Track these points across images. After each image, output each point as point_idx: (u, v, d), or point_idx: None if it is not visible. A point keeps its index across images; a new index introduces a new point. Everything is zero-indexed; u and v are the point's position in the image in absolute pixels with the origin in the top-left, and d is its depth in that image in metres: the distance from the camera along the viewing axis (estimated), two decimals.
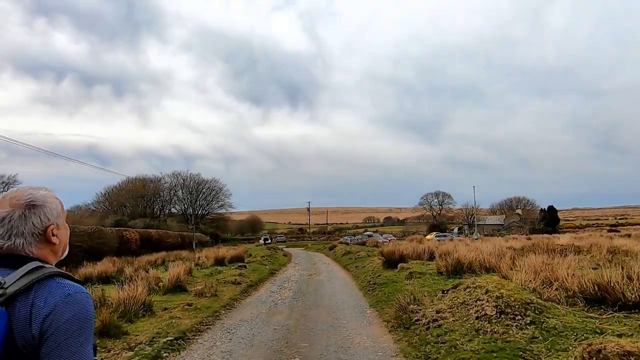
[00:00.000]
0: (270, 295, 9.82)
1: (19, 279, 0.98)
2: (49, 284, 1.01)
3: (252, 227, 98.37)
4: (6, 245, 1.05)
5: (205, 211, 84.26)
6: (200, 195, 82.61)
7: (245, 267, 14.28)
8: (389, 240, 46.06)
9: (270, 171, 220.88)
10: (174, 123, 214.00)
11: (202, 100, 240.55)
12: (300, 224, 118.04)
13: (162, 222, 65.45)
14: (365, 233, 59.61)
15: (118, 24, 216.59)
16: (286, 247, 57.09)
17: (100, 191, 71.24)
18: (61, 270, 1.07)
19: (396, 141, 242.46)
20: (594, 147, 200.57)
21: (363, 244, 32.32)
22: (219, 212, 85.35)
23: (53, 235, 1.11)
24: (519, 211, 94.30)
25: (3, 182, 53.42)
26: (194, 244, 40.47)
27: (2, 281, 0.97)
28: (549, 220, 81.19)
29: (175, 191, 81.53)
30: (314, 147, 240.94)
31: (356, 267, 14.54)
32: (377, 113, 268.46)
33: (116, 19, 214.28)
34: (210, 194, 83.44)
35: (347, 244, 38.86)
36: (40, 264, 1.04)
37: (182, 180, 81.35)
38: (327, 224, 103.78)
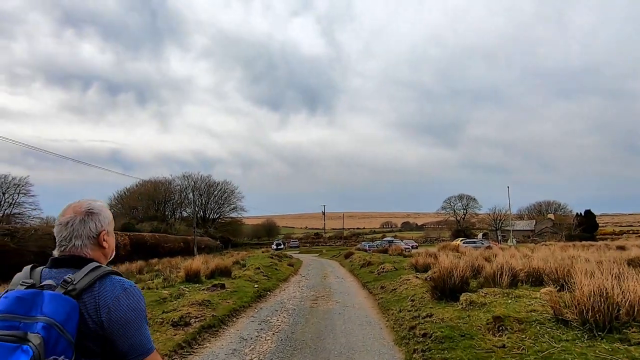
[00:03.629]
0: (234, 351, 5.47)
1: (83, 276, 1.19)
2: (108, 280, 1.22)
3: (267, 232, 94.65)
4: (68, 247, 1.27)
5: (217, 214, 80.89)
6: (212, 198, 79.36)
7: (223, 286, 10.00)
8: (411, 247, 40.72)
9: (288, 176, 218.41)
10: (193, 128, 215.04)
11: (221, 106, 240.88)
12: (316, 229, 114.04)
13: (170, 225, 62.42)
14: (385, 239, 54.58)
15: (142, 33, 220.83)
16: (299, 252, 52.74)
17: (113, 194, 69.17)
18: (114, 270, 1.27)
19: (414, 145, 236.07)
20: (619, 149, 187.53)
21: (384, 251, 27.52)
22: (232, 215, 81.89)
23: (104, 240, 1.33)
24: (550, 216, 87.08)
25: (15, 184, 53.12)
26: (194, 250, 36.59)
27: (72, 278, 1.17)
28: (587, 226, 73.97)
29: (187, 193, 78.72)
30: (332, 152, 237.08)
31: (382, 288, 10.03)
32: (395, 117, 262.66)
33: (140, 29, 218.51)
34: (222, 196, 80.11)
35: (366, 250, 34.06)
36: (98, 264, 1.25)
37: (192, 182, 78.47)
38: (343, 228, 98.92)
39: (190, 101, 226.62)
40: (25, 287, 1.15)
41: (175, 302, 8.16)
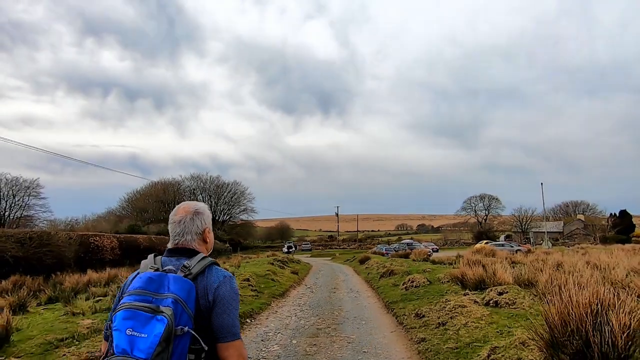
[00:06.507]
0: None
1: (196, 264, 1.41)
2: (213, 269, 1.46)
3: (280, 234, 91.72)
4: (181, 240, 1.50)
5: (227, 216, 78.17)
6: (221, 199, 76.72)
7: None
8: (432, 251, 36.20)
9: (302, 179, 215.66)
10: (209, 133, 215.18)
11: (236, 110, 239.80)
12: (330, 231, 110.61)
13: None
14: (403, 241, 50.46)
15: (159, 40, 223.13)
16: (310, 256, 49.26)
17: (123, 196, 67.37)
18: (215, 260, 1.50)
19: (430, 147, 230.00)
20: None
21: (406, 256, 23.58)
22: (242, 217, 79.10)
23: (207, 236, 1.58)
24: (580, 217, 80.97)
25: (26, 186, 52.12)
26: None
27: (189, 264, 1.40)
28: (623, 227, 68.09)
29: (196, 195, 76.33)
30: (346, 155, 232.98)
31: (419, 317, 6.49)
32: (410, 119, 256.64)
33: (158, 36, 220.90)
34: (231, 198, 77.37)
35: (384, 254, 30.25)
36: (204, 255, 1.49)
37: (202, 183, 76.12)
38: (358, 231, 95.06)
39: (206, 106, 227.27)
40: (153, 270, 1.38)
41: (77, 344, 4.87)
